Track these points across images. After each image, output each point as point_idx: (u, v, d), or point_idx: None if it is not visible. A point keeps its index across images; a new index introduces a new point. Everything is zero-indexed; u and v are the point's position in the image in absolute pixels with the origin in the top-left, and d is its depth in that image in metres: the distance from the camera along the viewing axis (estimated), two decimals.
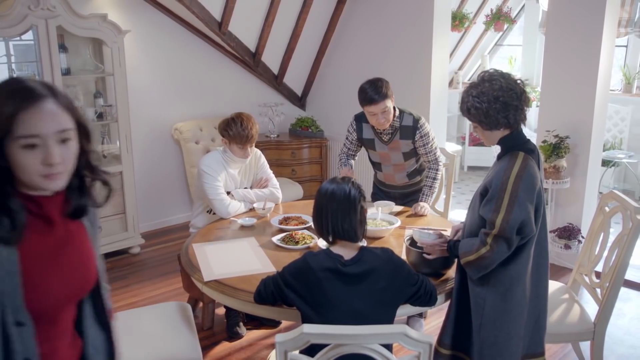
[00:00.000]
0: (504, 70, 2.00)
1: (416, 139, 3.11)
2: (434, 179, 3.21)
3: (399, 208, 3.20)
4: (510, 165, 1.95)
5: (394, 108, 3.06)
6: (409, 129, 3.09)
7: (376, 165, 3.37)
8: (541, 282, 2.11)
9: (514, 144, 2.01)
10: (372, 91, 2.93)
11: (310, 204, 2.06)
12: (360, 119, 3.21)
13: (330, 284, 1.85)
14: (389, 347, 1.84)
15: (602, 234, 2.63)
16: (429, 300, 2.02)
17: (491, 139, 2.04)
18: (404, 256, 2.30)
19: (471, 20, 6.28)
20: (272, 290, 1.98)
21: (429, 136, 3.13)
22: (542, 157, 2.14)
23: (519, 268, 2.02)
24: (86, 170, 1.25)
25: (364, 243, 2.42)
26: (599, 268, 2.65)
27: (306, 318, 1.90)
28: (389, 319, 1.93)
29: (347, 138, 3.33)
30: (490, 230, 1.93)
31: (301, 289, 1.89)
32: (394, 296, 1.92)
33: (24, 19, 3.59)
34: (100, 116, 4.19)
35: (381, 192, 3.43)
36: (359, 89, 2.99)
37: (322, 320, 1.84)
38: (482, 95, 1.92)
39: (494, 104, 1.90)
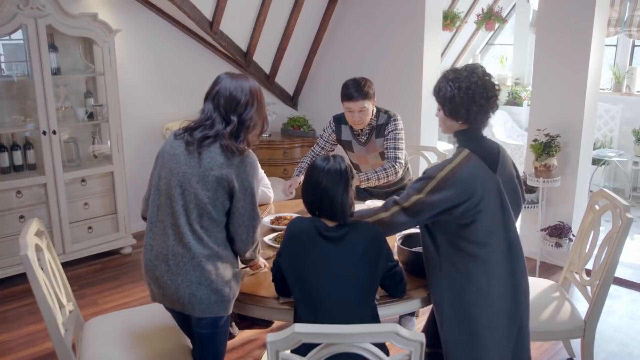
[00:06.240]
0: (489, 71, 2.02)
1: (386, 132, 3.08)
2: (384, 169, 3.02)
3: None
4: (452, 159, 2.01)
5: (375, 109, 3.08)
6: (383, 126, 3.09)
7: (355, 167, 3.32)
8: (519, 287, 2.07)
9: (467, 141, 2.04)
10: (353, 88, 2.94)
11: (302, 203, 2.06)
12: (339, 120, 3.22)
13: (314, 246, 1.91)
14: (382, 345, 1.84)
15: (592, 232, 2.65)
16: (399, 282, 2.04)
17: (446, 126, 2.08)
18: (395, 256, 2.30)
19: (462, 19, 6.30)
20: (275, 271, 2.04)
21: (397, 131, 3.07)
22: (510, 160, 2.13)
23: (469, 268, 2.00)
24: None
25: None
26: (590, 266, 2.67)
27: (292, 288, 1.96)
28: (372, 284, 1.94)
29: (321, 137, 3.33)
30: (402, 203, 2.00)
31: (290, 253, 1.95)
32: (374, 261, 1.93)
33: (13, 18, 3.56)
34: (90, 116, 4.17)
35: (365, 191, 3.34)
36: (342, 84, 3.00)
37: (304, 287, 1.90)
38: (456, 82, 1.94)
39: (463, 93, 1.93)
